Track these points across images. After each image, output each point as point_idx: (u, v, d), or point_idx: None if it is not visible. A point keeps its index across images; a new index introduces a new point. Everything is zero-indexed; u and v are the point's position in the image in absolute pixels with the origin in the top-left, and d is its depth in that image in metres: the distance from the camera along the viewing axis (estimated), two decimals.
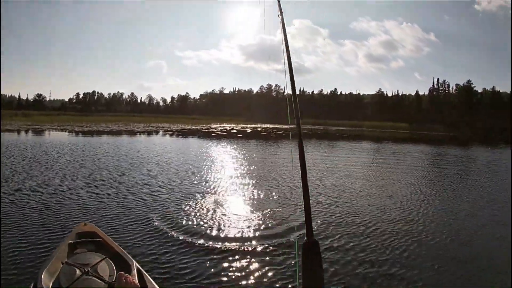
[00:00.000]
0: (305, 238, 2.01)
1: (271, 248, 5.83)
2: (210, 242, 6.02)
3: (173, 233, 6.43)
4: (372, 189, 11.16)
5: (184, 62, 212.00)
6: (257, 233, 6.60)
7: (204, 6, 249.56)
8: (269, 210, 8.21)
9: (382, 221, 7.58)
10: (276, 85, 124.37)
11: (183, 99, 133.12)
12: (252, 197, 9.71)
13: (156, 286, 3.58)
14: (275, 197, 9.65)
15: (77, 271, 3.18)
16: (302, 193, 2.10)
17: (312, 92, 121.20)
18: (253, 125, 65.71)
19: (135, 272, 3.49)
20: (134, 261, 3.72)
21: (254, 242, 6.13)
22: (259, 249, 5.82)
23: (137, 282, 3.21)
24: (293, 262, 5.06)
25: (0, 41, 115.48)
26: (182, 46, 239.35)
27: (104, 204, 8.26)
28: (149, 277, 3.68)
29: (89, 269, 3.22)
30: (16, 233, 6.16)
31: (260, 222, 7.34)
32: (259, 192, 10.23)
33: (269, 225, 7.12)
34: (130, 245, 5.65)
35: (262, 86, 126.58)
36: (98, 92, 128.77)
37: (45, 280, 3.18)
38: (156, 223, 6.96)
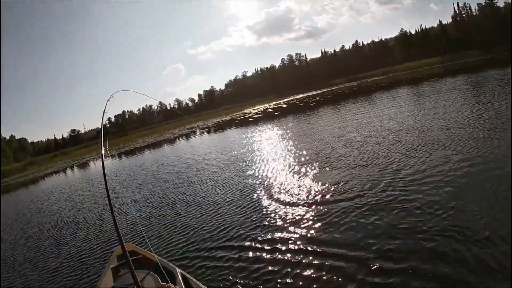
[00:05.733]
0: None
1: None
2: (258, 246, 5.32)
3: (214, 233, 6.19)
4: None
5: (199, 58, 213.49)
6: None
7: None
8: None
9: None
10: (296, 53, 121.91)
11: (210, 93, 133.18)
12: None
13: (203, 286, 3.60)
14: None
15: None
16: None
17: (334, 51, 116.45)
18: (286, 99, 63.98)
19: (180, 279, 3.46)
20: (177, 269, 3.68)
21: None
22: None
23: None
24: None
25: (0, 41, 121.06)
26: (192, 44, 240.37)
27: (142, 220, 8.21)
28: (195, 280, 3.69)
29: (135, 287, 3.09)
30: (62, 261, 6.86)
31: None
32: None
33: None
34: (171, 254, 5.66)
35: (283, 58, 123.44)
36: (128, 111, 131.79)
37: None
38: (192, 227, 6.85)
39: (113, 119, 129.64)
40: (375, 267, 3.98)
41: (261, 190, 8.20)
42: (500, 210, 4.57)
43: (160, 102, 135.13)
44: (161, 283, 3.15)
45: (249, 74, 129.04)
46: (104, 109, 3.54)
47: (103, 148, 3.27)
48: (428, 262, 3.85)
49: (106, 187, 3.11)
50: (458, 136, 8.69)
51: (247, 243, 5.42)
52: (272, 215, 6.35)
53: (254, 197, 7.76)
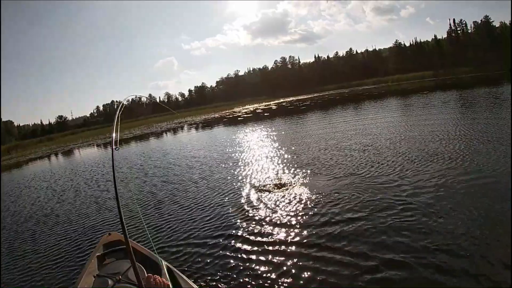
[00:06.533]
0: None
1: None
2: (245, 237, 5.61)
3: (200, 228, 6.36)
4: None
5: (193, 53, 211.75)
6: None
7: None
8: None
9: None
10: (290, 56, 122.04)
11: (200, 89, 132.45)
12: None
13: (188, 280, 3.55)
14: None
15: (109, 281, 3.22)
16: None
17: (328, 57, 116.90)
18: (277, 101, 64.08)
19: (165, 271, 3.43)
20: (163, 261, 3.67)
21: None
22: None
23: (167, 281, 3.09)
24: None
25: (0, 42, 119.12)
26: (187, 39, 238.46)
27: (126, 211, 8.07)
28: (180, 273, 3.64)
29: (120, 277, 3.25)
30: (45, 250, 6.70)
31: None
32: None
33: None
34: (158, 246, 5.67)
35: (276, 60, 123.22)
36: (117, 101, 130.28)
37: None
38: (178, 221, 7.02)
39: (101, 108, 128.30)
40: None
41: (250, 190, 8.27)
42: (495, 218, 4.78)
43: (150, 95, 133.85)
44: (146, 274, 3.13)
45: (241, 73, 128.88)
46: (118, 113, 3.65)
47: (113, 145, 3.31)
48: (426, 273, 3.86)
49: (114, 178, 3.10)
50: (453, 147, 9.01)
51: (234, 241, 5.50)
52: (258, 216, 6.42)
53: (243, 196, 7.82)
